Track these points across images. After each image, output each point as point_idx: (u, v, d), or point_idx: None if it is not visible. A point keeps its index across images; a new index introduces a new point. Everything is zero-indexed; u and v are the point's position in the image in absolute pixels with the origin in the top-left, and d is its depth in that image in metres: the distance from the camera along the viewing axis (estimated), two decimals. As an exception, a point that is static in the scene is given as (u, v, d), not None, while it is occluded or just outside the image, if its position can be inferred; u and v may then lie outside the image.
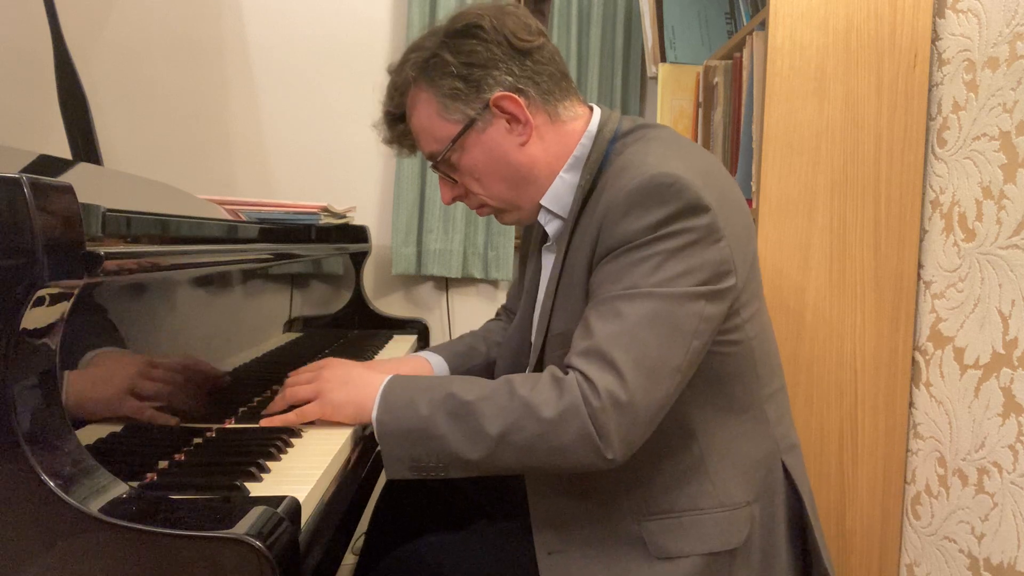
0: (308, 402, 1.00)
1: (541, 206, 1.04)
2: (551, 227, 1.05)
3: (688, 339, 0.87)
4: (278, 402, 1.04)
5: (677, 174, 0.89)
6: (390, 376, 0.94)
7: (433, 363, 1.23)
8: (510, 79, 0.99)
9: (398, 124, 1.09)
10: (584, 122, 1.05)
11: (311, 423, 1.02)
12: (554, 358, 0.99)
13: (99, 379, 0.75)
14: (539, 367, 1.01)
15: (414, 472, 0.89)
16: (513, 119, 1.00)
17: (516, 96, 0.99)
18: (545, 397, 0.85)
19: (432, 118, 1.02)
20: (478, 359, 1.28)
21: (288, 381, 1.06)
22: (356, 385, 0.98)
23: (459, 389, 0.89)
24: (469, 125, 1.00)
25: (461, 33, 1.00)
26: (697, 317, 0.87)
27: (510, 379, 0.89)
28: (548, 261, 1.11)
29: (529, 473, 0.95)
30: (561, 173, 1.03)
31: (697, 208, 0.88)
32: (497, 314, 1.42)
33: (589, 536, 0.95)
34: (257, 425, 1.04)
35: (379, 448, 0.91)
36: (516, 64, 0.99)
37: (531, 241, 1.23)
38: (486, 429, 0.85)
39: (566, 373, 0.88)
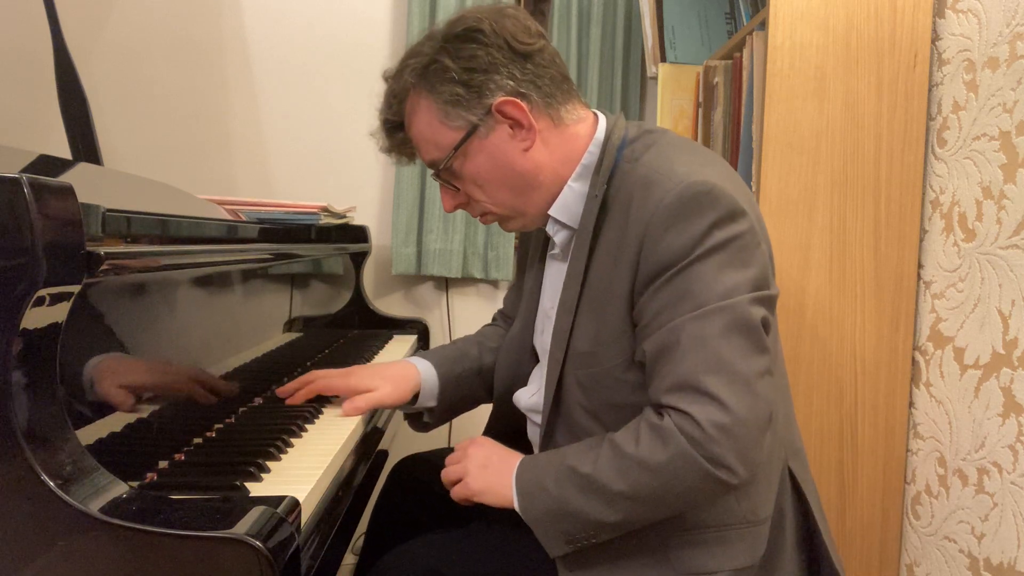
0: (456, 482, 1.02)
1: (550, 216, 1.03)
2: (559, 237, 1.04)
3: (763, 340, 0.88)
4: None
5: (712, 181, 0.88)
6: (519, 462, 0.97)
7: (420, 368, 1.21)
8: (511, 83, 0.97)
9: (397, 132, 1.06)
10: (588, 126, 1.03)
11: (313, 422, 1.03)
12: (579, 377, 0.98)
13: (99, 378, 0.75)
14: (559, 385, 1.00)
15: (572, 545, 0.91)
16: (516, 124, 0.98)
17: (519, 100, 0.97)
18: (649, 449, 0.86)
19: (433, 125, 0.99)
20: (469, 363, 1.25)
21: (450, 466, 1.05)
22: (495, 471, 0.99)
23: (575, 462, 0.91)
24: (471, 131, 0.98)
25: (460, 37, 0.97)
26: (762, 321, 0.88)
27: (612, 440, 0.90)
28: (553, 270, 1.09)
29: (676, 514, 0.95)
30: (569, 182, 1.01)
31: (735, 213, 0.88)
32: (494, 319, 1.40)
33: (613, 553, 0.94)
34: (257, 425, 1.04)
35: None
36: (517, 68, 0.97)
37: (531, 248, 1.21)
38: (614, 493, 0.87)
39: (660, 415, 0.87)
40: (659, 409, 0.88)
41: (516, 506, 0.93)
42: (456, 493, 1.01)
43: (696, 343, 0.85)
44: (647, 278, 0.90)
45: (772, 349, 0.98)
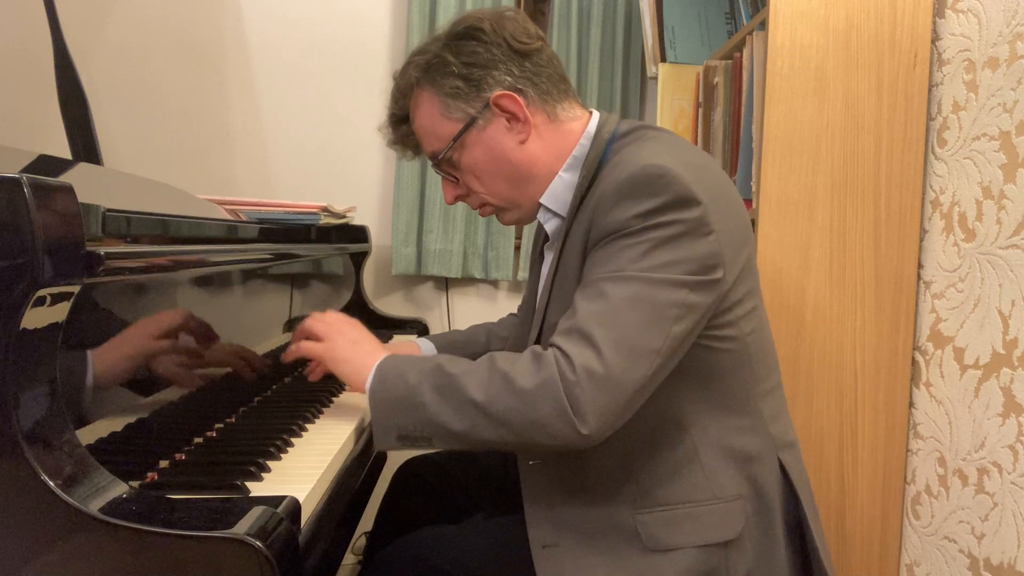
0: (317, 339, 1.06)
1: (541, 205, 1.06)
2: (550, 225, 1.07)
3: (669, 324, 0.88)
4: (295, 337, 1.11)
5: (667, 166, 0.90)
6: (388, 354, 0.99)
7: (423, 347, 1.28)
8: (509, 79, 1.02)
9: (402, 126, 1.13)
10: (583, 123, 1.07)
11: (313, 422, 1.03)
12: None
13: (100, 378, 0.75)
14: None
15: (401, 442, 0.92)
16: (512, 118, 1.03)
17: (515, 95, 1.02)
18: (522, 370, 0.88)
19: (434, 117, 1.05)
20: (475, 348, 1.31)
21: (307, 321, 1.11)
22: (362, 349, 1.03)
23: (446, 362, 0.93)
24: (470, 123, 1.03)
25: (462, 35, 1.03)
26: (679, 304, 0.89)
27: (492, 355, 0.92)
28: (548, 260, 1.12)
29: (510, 449, 0.97)
30: (560, 172, 1.05)
31: (687, 201, 0.89)
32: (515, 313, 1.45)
33: (584, 529, 0.96)
34: (257, 425, 1.04)
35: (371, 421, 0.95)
36: (515, 65, 1.03)
37: (535, 245, 1.24)
38: (467, 400, 0.88)
39: (545, 348, 0.90)
40: (547, 346, 0.91)
41: (367, 386, 0.94)
42: (309, 348, 1.06)
43: (600, 299, 0.88)
44: (590, 246, 0.94)
45: (757, 340, 1.00)
